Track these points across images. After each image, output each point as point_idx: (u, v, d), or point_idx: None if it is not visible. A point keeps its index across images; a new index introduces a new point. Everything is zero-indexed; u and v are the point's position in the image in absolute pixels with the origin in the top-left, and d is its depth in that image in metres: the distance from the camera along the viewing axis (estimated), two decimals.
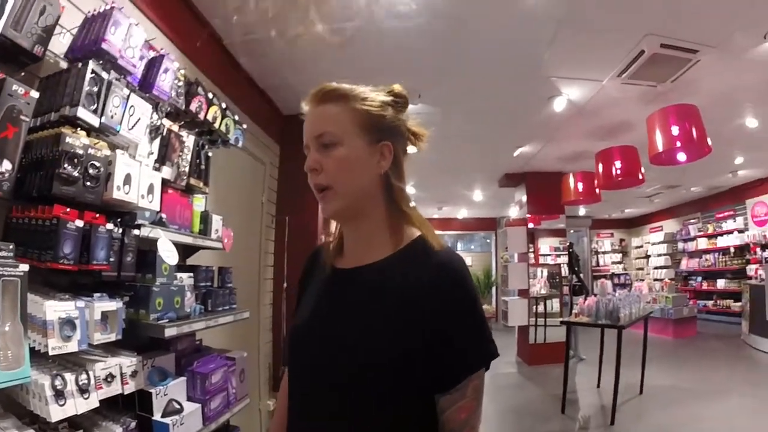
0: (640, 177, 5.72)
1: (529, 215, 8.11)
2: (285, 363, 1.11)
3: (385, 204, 1.01)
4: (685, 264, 12.28)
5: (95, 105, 1.62)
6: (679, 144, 4.41)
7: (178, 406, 1.82)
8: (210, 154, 2.53)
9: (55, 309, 1.39)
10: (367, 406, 0.90)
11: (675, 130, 4.36)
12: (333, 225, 1.11)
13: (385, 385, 0.88)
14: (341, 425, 0.91)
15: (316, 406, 0.95)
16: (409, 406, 0.90)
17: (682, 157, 4.86)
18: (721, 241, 10.92)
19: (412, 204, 1.05)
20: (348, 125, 0.97)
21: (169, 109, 2.17)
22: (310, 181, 0.99)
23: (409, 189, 8.36)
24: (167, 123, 2.15)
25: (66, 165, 1.46)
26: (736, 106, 5.03)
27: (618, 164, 5.67)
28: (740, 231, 10.29)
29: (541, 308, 7.86)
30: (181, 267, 2.25)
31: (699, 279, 11.82)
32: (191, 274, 2.29)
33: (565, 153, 6.89)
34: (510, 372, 7.23)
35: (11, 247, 1.30)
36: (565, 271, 8.47)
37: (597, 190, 6.98)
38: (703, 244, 11.57)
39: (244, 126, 2.84)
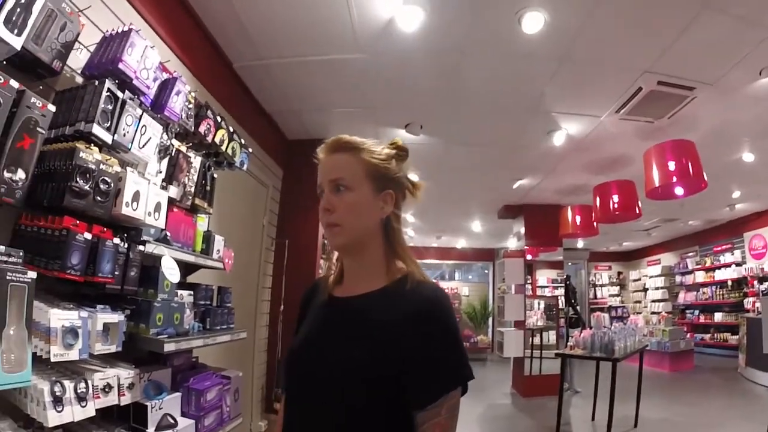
0: (637, 211, 5.78)
1: (527, 247, 8.13)
2: (280, 384, 1.21)
3: (383, 243, 1.16)
4: (683, 297, 12.25)
5: (109, 122, 1.68)
6: (675, 179, 4.48)
7: (172, 421, 1.83)
8: (215, 175, 2.59)
9: (59, 317, 1.43)
10: (353, 422, 1.00)
11: (671, 165, 4.43)
12: (334, 259, 1.26)
13: (369, 403, 0.99)
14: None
15: (309, 423, 1.06)
16: (392, 422, 1.01)
17: (679, 191, 4.93)
18: (719, 275, 10.92)
19: (407, 243, 1.21)
20: (359, 174, 1.12)
21: (178, 130, 2.23)
22: (322, 219, 1.13)
23: (409, 218, 8.48)
24: (176, 143, 2.21)
25: (78, 179, 1.51)
26: (732, 141, 5.11)
27: (615, 198, 5.74)
28: (738, 264, 10.30)
29: (537, 340, 7.82)
30: (181, 284, 2.28)
31: (696, 312, 11.76)
32: (191, 292, 2.33)
33: (564, 186, 6.97)
34: (504, 403, 7.17)
35: (21, 253, 1.35)
36: (561, 303, 8.45)
37: (595, 224, 7.03)
38: (700, 277, 11.56)
39: (250, 149, 2.90)
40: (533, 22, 2.98)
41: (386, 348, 1.00)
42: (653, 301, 13.47)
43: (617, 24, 3.05)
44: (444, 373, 1.01)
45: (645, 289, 14.14)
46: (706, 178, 4.51)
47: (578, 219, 7.24)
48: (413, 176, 1.23)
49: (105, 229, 1.68)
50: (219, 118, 2.52)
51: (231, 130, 2.65)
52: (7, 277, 1.24)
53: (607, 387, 4.67)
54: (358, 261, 1.16)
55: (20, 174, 1.36)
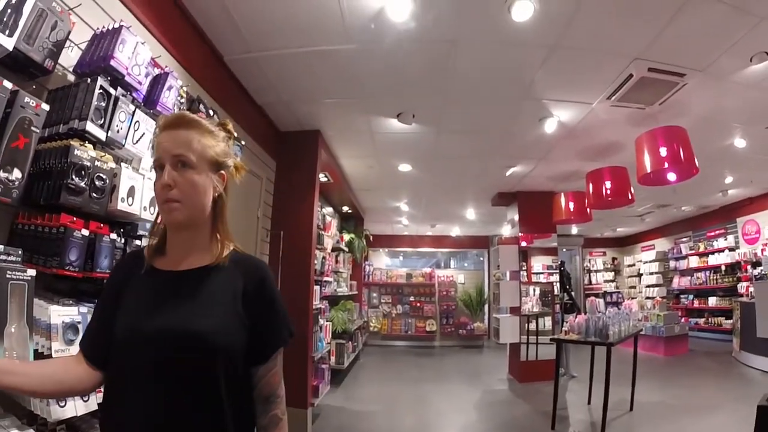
0: (630, 197, 5.80)
1: (522, 234, 8.17)
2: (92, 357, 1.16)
3: (212, 219, 1.24)
4: (677, 282, 12.36)
5: (102, 119, 1.70)
6: (667, 165, 4.50)
7: None
8: None
9: (59, 313, 1.45)
10: (208, 384, 1.09)
11: (663, 151, 4.45)
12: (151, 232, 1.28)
13: (222, 363, 1.10)
14: (184, 405, 1.07)
15: (158, 392, 1.06)
16: (236, 378, 1.14)
17: (671, 177, 4.96)
18: (712, 260, 11.01)
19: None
20: (201, 153, 1.18)
21: None
22: (159, 194, 1.16)
23: (403, 207, 8.52)
24: None
25: (74, 176, 1.53)
26: (724, 127, 5.14)
27: (608, 184, 5.76)
28: (731, 249, 10.39)
29: (533, 326, 7.88)
30: None
31: (690, 297, 11.88)
32: None
33: (557, 173, 6.99)
34: (501, 389, 7.23)
35: (20, 252, 1.36)
36: (556, 289, 8.50)
37: (588, 210, 7.05)
38: (694, 262, 11.66)
39: (243, 142, 2.91)
40: (523, 10, 2.99)
41: (233, 316, 1.15)
42: (648, 286, 13.58)
43: (607, 11, 3.05)
44: (280, 332, 1.25)
45: (639, 275, 14.25)
46: (697, 163, 4.54)
47: (572, 205, 7.27)
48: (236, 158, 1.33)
49: (102, 225, 1.70)
50: (211, 112, 2.54)
51: None
52: (7, 276, 1.26)
53: (603, 371, 4.73)
54: (188, 235, 1.21)
55: (16, 173, 1.38)
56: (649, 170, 4.59)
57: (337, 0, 2.93)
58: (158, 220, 1.23)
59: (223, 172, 1.24)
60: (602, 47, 3.47)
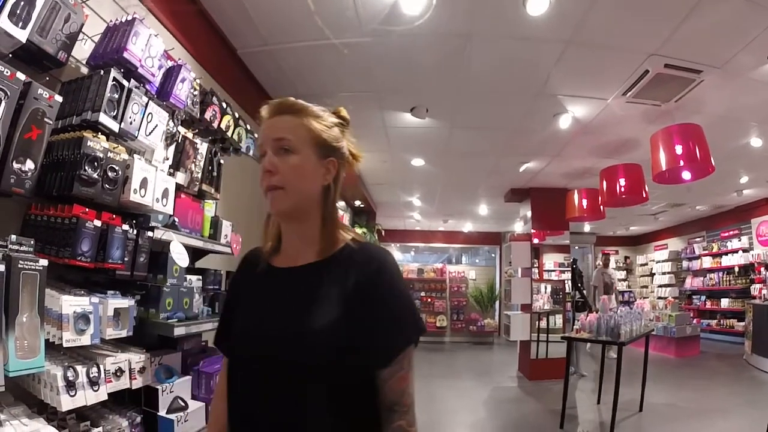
0: (644, 195, 5.75)
1: (534, 230, 8.12)
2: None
3: (322, 210, 1.14)
4: (690, 282, 12.23)
5: (115, 111, 1.70)
6: (682, 163, 4.45)
7: (183, 404, 1.87)
8: (222, 161, 2.60)
9: (71, 303, 1.46)
10: (318, 388, 1.01)
11: (678, 149, 4.40)
12: (269, 228, 1.23)
13: (335, 369, 1.01)
14: (296, 410, 1.01)
15: (270, 395, 1.04)
16: (355, 383, 1.04)
17: (686, 175, 4.90)
18: (726, 260, 10.88)
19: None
20: (304, 138, 1.10)
21: (184, 116, 2.25)
22: (263, 180, 1.11)
23: (415, 201, 8.49)
24: (182, 130, 2.23)
25: (87, 167, 1.54)
26: (740, 126, 5.07)
27: (622, 182, 5.71)
28: (745, 250, 10.26)
29: (543, 324, 7.85)
30: (190, 269, 2.31)
31: (703, 298, 11.75)
32: (200, 277, 2.35)
33: (570, 169, 6.95)
34: (510, 386, 7.22)
35: (32, 242, 1.37)
36: (568, 287, 8.46)
37: (601, 207, 7.00)
38: (707, 263, 11.53)
39: (256, 135, 2.91)
40: (538, 4, 2.96)
41: (348, 315, 1.03)
42: (660, 286, 13.47)
43: (623, 5, 3.01)
44: (403, 330, 1.08)
45: (652, 274, 14.13)
46: (713, 162, 4.48)
47: (585, 203, 7.23)
48: (353, 145, 1.22)
49: (114, 216, 1.70)
50: (224, 104, 2.54)
51: (236, 115, 2.66)
52: (19, 266, 1.26)
53: (613, 371, 4.69)
54: (298, 229, 1.15)
55: (29, 164, 1.39)
56: (664, 168, 4.54)
57: None
58: (272, 211, 1.15)
59: (333, 158, 1.14)
60: (618, 43, 3.43)
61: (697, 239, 12.15)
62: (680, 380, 7.09)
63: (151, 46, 1.89)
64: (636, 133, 5.19)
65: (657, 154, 4.60)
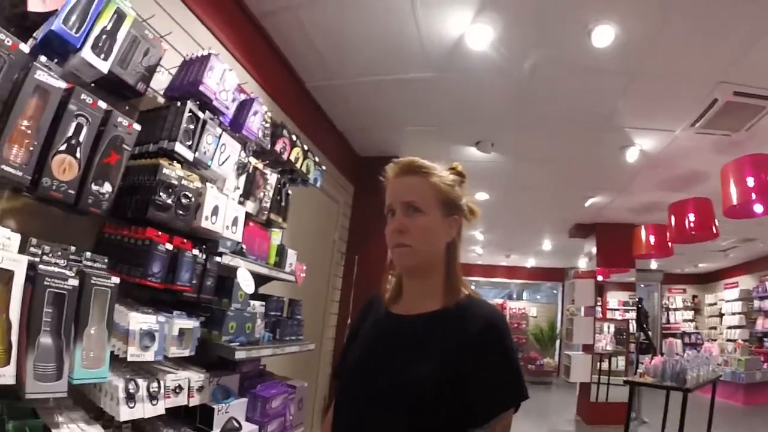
0: (714, 230, 5.39)
1: (598, 267, 7.80)
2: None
3: (445, 266, 1.19)
4: (761, 324, 11.09)
5: (191, 141, 1.81)
6: (754, 196, 4.14)
7: (237, 425, 1.90)
8: (290, 191, 2.69)
9: (138, 320, 1.54)
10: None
11: (750, 182, 4.10)
12: (389, 276, 1.30)
13: (426, 420, 1.03)
14: None
15: (368, 430, 1.09)
16: None
17: (758, 209, 4.54)
18: None
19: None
20: (430, 198, 1.16)
21: (255, 148, 2.35)
22: (390, 239, 1.16)
23: (478, 235, 8.37)
24: (253, 161, 2.33)
25: (161, 193, 1.64)
26: None
27: (691, 217, 5.39)
28: None
29: (605, 365, 7.46)
30: (254, 295, 2.37)
31: None
32: (263, 303, 2.41)
33: (637, 204, 6.65)
34: (567, 430, 6.89)
35: (105, 260, 1.47)
36: (632, 327, 8.06)
37: (669, 244, 6.62)
38: None
39: (323, 167, 2.99)
40: (603, 36, 2.89)
41: (450, 367, 1.04)
42: (729, 327, 12.32)
43: (689, 34, 2.88)
44: (502, 392, 1.06)
45: (721, 315, 12.95)
46: None
47: (652, 239, 6.86)
48: (471, 200, 1.27)
49: (185, 240, 1.79)
50: (294, 137, 2.63)
51: (305, 148, 2.74)
52: (92, 281, 1.35)
53: (677, 418, 4.35)
54: (420, 281, 1.19)
55: (107, 187, 1.49)
56: (735, 202, 4.23)
57: (417, 30, 2.98)
58: (398, 266, 1.22)
59: (456, 216, 1.21)
60: (685, 71, 3.28)
61: None
62: (748, 430, 6.47)
63: (225, 79, 2.00)
64: (705, 165, 4.89)
65: (727, 186, 4.30)
